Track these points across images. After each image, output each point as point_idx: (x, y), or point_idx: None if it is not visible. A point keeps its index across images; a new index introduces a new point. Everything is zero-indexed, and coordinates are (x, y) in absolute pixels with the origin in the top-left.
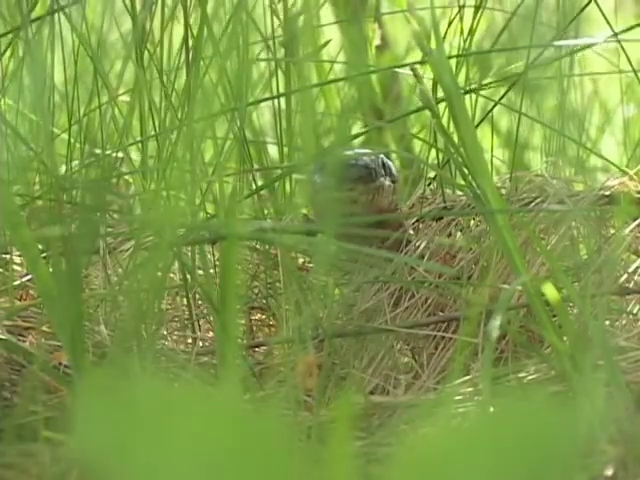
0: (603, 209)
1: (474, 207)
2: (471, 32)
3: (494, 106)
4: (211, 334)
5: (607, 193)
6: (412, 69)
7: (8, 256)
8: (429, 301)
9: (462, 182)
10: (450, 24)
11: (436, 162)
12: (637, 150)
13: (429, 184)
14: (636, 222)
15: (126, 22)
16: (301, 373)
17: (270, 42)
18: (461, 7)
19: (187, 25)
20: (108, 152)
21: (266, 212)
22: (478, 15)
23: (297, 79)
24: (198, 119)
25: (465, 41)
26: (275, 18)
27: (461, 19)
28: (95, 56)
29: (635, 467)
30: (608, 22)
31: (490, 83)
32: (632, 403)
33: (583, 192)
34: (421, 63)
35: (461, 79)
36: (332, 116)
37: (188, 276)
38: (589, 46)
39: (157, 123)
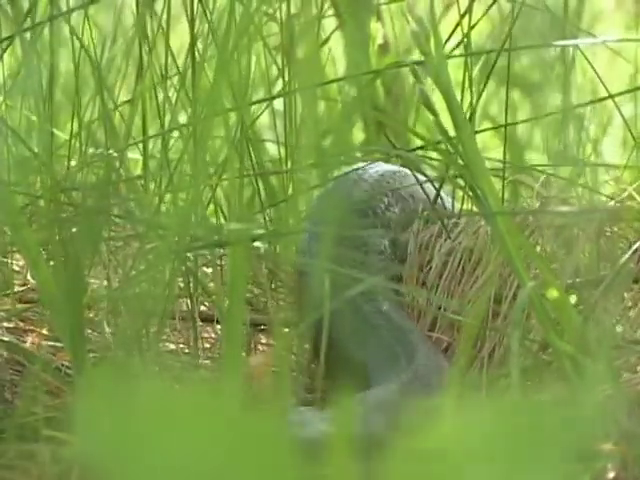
0: (604, 226)
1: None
2: (470, 30)
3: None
4: (213, 337)
5: (609, 209)
6: (411, 69)
7: (9, 257)
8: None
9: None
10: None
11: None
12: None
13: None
14: (638, 244)
15: (128, 21)
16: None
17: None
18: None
19: (192, 25)
20: (110, 153)
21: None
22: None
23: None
24: (203, 119)
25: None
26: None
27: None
28: (96, 60)
29: (636, 468)
30: None
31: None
32: (632, 404)
33: (583, 209)
34: (421, 63)
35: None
36: (333, 117)
37: (191, 280)
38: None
39: (160, 123)
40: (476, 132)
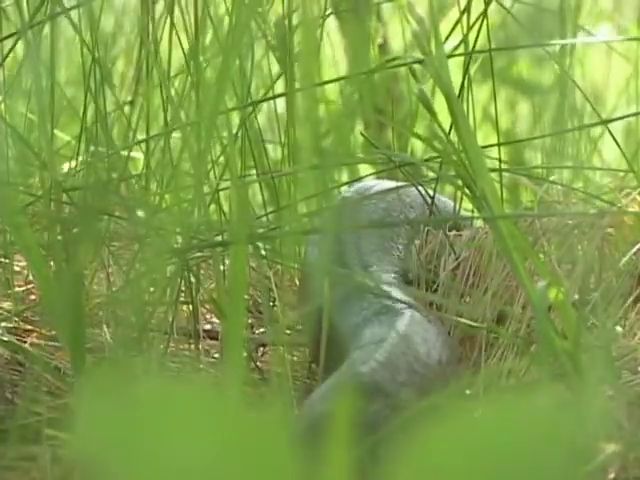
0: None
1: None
2: (470, 30)
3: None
4: (215, 338)
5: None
6: (410, 69)
7: (10, 258)
8: None
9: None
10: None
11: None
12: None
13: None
14: (637, 246)
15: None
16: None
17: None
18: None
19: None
20: (111, 152)
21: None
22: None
23: (297, 79)
24: (204, 118)
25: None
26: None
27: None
28: (98, 57)
29: (636, 469)
30: None
31: None
32: (632, 405)
33: (584, 214)
34: (420, 62)
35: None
36: (332, 117)
37: (193, 281)
38: None
39: (162, 123)
40: (484, 147)
